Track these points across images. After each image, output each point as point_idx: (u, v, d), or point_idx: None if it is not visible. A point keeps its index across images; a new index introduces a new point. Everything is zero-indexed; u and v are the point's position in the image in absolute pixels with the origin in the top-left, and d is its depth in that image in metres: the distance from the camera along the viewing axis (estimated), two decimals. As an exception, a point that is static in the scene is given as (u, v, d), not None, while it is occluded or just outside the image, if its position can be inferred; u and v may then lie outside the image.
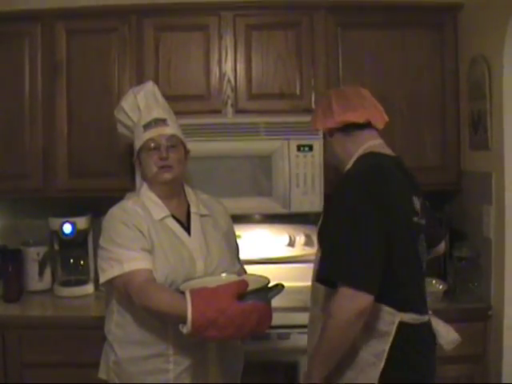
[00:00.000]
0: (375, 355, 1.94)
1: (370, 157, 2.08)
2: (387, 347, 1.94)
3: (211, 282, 2.05)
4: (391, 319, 1.95)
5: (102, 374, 2.31)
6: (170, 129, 2.28)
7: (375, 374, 1.94)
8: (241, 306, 1.88)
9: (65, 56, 3.15)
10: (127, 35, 3.15)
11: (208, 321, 1.85)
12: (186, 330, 1.87)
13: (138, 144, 2.29)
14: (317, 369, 1.94)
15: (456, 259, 3.02)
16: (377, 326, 1.94)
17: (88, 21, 3.17)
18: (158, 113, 2.30)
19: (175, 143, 2.27)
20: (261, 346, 2.73)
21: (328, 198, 2.11)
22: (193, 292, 1.91)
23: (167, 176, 2.25)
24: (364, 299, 1.82)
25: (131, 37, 3.15)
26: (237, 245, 2.52)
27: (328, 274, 1.90)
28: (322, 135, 2.97)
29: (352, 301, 1.81)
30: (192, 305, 1.87)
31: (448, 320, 2.87)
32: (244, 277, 2.14)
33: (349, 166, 2.10)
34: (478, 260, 2.99)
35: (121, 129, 2.49)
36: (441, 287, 3.02)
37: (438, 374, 2.61)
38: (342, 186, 2.01)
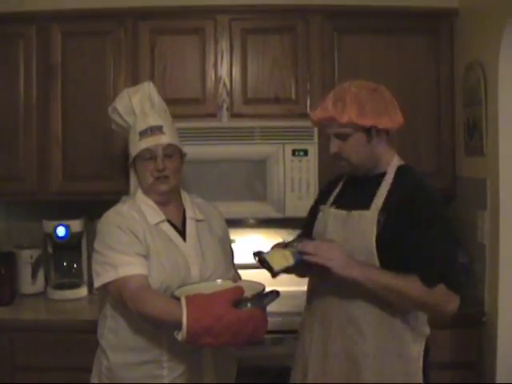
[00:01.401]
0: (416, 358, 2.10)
1: (413, 170, 2.16)
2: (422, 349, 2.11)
3: (206, 287, 2.02)
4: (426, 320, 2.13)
5: (94, 379, 2.29)
6: (167, 137, 2.23)
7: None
8: (237, 313, 1.86)
9: (60, 58, 3.15)
10: (123, 38, 3.15)
11: (203, 328, 1.83)
12: (181, 337, 1.85)
13: (133, 151, 2.26)
14: (376, 275, 1.96)
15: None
16: (423, 330, 2.13)
17: (83, 23, 3.16)
18: (154, 120, 2.26)
19: (171, 152, 2.24)
20: (254, 351, 2.72)
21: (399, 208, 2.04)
22: (188, 298, 1.89)
23: (163, 187, 2.23)
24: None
25: (127, 40, 3.15)
26: (232, 250, 2.51)
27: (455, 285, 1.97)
28: (317, 139, 2.98)
29: (456, 305, 1.99)
30: (187, 312, 1.84)
31: (442, 326, 2.89)
32: (240, 283, 2.12)
33: (391, 174, 2.11)
34: (473, 266, 2.98)
35: (115, 127, 2.45)
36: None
37: (432, 380, 2.61)
38: (431, 200, 2.05)
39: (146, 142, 2.21)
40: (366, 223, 2.06)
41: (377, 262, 2.01)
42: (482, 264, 2.91)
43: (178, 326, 1.84)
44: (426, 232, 1.99)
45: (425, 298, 1.96)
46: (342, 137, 2.11)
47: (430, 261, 1.97)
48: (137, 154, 2.23)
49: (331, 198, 2.27)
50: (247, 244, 3.27)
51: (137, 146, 2.23)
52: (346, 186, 2.27)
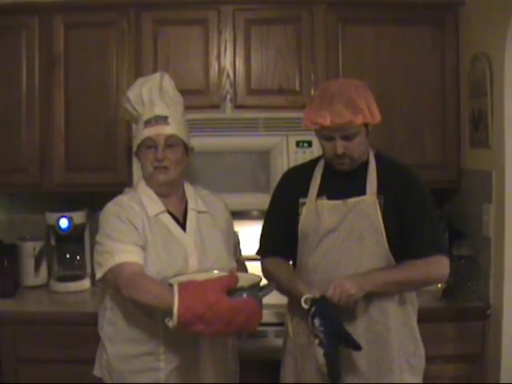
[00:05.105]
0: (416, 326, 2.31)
1: (386, 155, 2.33)
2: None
3: (202, 277, 2.00)
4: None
5: (96, 372, 2.30)
6: (170, 128, 2.22)
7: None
8: (230, 301, 1.85)
9: (62, 49, 3.13)
10: (126, 29, 3.12)
11: (194, 315, 1.81)
12: (171, 323, 1.84)
13: (136, 140, 2.26)
14: (385, 280, 2.13)
15: (455, 258, 3.00)
16: (416, 303, 2.32)
17: (86, 14, 3.14)
18: (160, 109, 2.24)
19: (174, 143, 2.22)
20: (258, 343, 2.72)
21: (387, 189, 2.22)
22: (180, 285, 1.88)
23: (162, 177, 2.22)
24: None
25: (130, 30, 3.12)
26: (238, 242, 2.49)
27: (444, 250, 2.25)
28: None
29: (448, 266, 2.24)
30: (179, 298, 1.83)
31: (447, 319, 2.88)
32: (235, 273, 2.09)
33: (372, 161, 2.25)
34: (477, 259, 2.97)
35: (127, 116, 2.42)
36: (439, 286, 3.00)
37: (436, 373, 2.61)
38: (419, 181, 2.26)
39: (149, 131, 2.20)
40: (367, 207, 2.18)
41: (385, 241, 2.16)
42: (487, 257, 2.89)
43: (170, 313, 1.83)
44: (422, 212, 2.21)
45: (429, 275, 2.22)
46: (350, 137, 2.14)
47: (429, 239, 2.20)
48: (140, 142, 2.23)
49: (313, 191, 2.28)
50: (251, 236, 3.26)
51: (140, 134, 2.23)
52: (328, 178, 2.29)
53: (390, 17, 3.14)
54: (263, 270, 2.35)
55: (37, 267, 3.27)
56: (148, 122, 2.22)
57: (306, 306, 2.02)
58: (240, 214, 3.12)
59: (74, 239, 3.31)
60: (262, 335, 2.72)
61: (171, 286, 1.93)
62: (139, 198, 2.24)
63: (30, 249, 3.27)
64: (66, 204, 3.28)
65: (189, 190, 2.36)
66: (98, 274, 2.15)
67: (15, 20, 3.13)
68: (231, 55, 3.12)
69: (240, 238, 2.57)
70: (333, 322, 2.01)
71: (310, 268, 2.23)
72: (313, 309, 2.01)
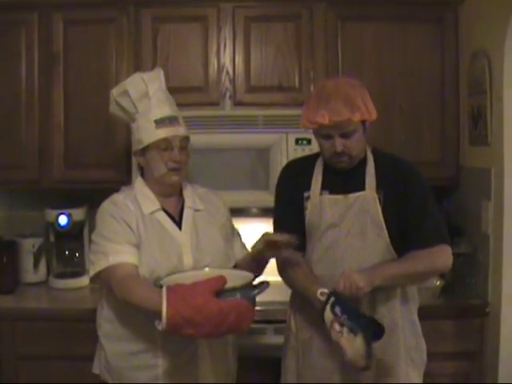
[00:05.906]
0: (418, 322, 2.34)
1: (382, 150, 2.34)
2: None
3: (193, 276, 2.00)
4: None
5: (95, 369, 2.30)
6: (184, 129, 2.22)
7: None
8: (219, 304, 1.83)
9: (62, 46, 3.13)
10: (125, 26, 3.12)
11: (183, 319, 1.81)
12: (160, 327, 1.84)
13: (146, 139, 2.20)
14: (389, 273, 2.13)
15: (454, 255, 3.00)
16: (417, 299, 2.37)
17: (86, 11, 3.14)
18: (171, 110, 2.23)
19: (185, 144, 2.23)
20: (257, 340, 2.72)
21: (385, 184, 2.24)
22: (169, 289, 1.87)
23: (175, 178, 2.22)
24: None
25: (129, 27, 3.12)
26: (239, 235, 2.48)
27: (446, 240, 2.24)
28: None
29: (451, 254, 2.25)
30: (167, 302, 1.83)
31: (445, 316, 2.89)
32: (226, 272, 2.05)
33: (370, 156, 2.27)
34: (476, 256, 2.97)
35: (117, 111, 2.35)
36: (438, 283, 3.00)
37: (434, 370, 2.61)
38: (418, 173, 2.28)
39: (165, 131, 2.18)
40: (367, 202, 2.21)
41: (386, 235, 2.20)
42: (486, 254, 2.89)
43: (160, 316, 1.83)
44: (422, 204, 2.23)
45: (435, 265, 2.23)
46: (348, 134, 2.16)
47: (431, 229, 2.21)
48: (151, 142, 2.19)
49: (316, 185, 2.29)
50: (249, 233, 3.26)
51: (153, 134, 2.18)
52: (328, 173, 2.30)
53: (389, 14, 3.14)
54: (278, 265, 2.34)
55: (36, 264, 3.28)
56: (161, 122, 2.19)
57: (322, 299, 2.04)
58: (239, 212, 3.11)
59: (73, 236, 3.31)
60: (261, 332, 2.73)
61: (162, 287, 1.92)
62: (135, 196, 2.23)
63: (29, 245, 3.27)
64: (66, 201, 3.28)
65: (186, 188, 2.35)
66: (91, 273, 2.16)
67: (15, 16, 3.13)
68: (231, 52, 3.12)
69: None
70: (352, 307, 2.03)
71: (314, 262, 2.25)
72: (331, 299, 2.03)
